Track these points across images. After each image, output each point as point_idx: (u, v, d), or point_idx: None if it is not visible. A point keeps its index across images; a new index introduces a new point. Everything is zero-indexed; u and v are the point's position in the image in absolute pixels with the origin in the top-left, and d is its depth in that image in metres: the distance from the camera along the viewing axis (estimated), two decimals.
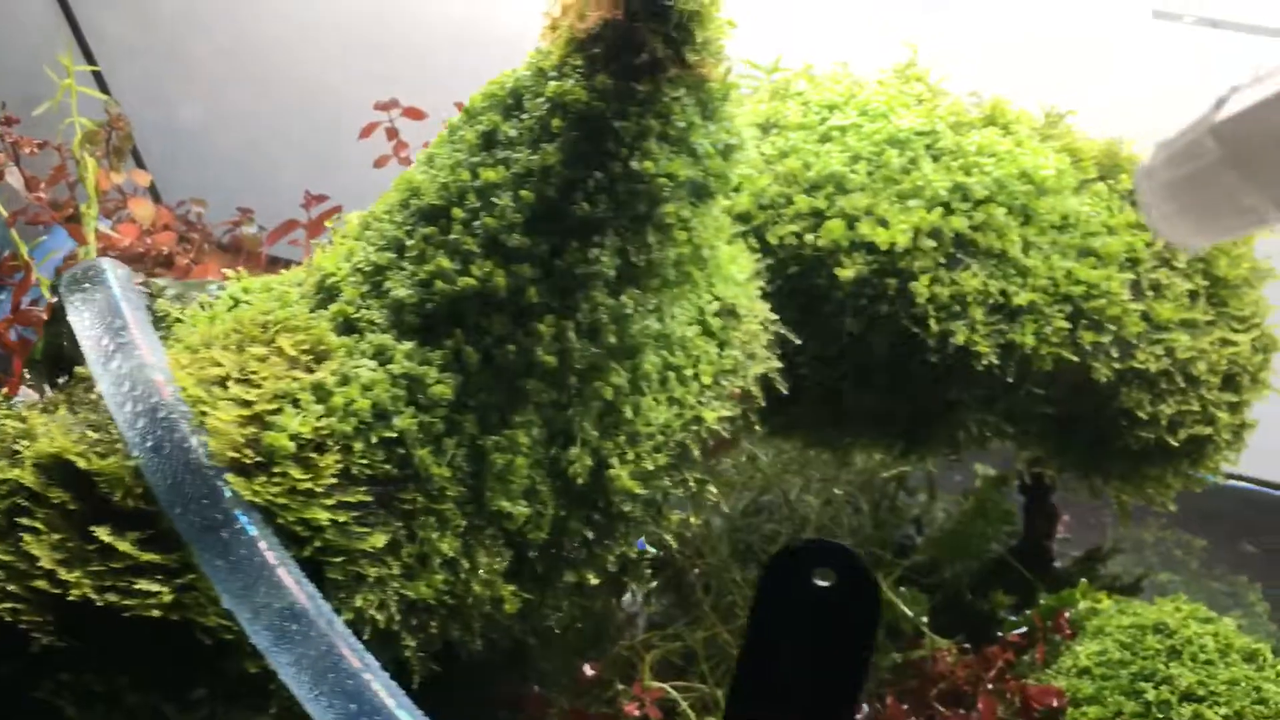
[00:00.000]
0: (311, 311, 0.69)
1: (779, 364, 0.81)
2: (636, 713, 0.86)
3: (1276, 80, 0.37)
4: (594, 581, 0.76)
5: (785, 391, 0.82)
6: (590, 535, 0.72)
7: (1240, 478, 1.18)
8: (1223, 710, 0.82)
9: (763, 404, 0.81)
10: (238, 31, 1.31)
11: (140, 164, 1.39)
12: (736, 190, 0.82)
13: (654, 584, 1.02)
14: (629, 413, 0.71)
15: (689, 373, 0.75)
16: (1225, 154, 0.38)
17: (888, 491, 1.08)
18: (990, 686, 0.92)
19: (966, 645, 0.94)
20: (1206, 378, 0.89)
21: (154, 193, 1.40)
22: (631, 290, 0.69)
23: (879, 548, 1.05)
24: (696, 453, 0.75)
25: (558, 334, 0.68)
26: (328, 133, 1.26)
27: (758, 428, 0.82)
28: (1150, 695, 0.84)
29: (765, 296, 0.82)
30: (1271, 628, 1.06)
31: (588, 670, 0.91)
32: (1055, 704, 0.88)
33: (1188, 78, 0.98)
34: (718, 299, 0.76)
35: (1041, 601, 0.97)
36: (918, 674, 0.95)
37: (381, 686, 0.56)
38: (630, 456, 0.72)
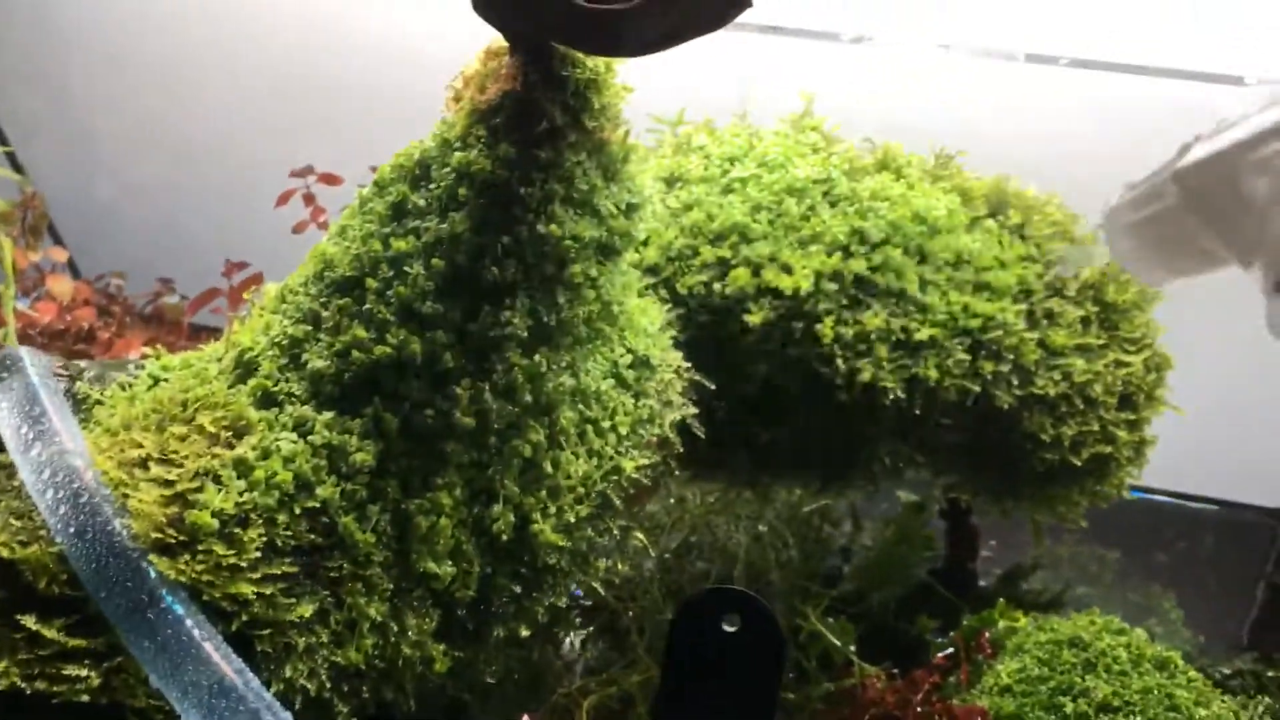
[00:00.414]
0: (230, 387, 0.70)
1: (695, 410, 0.84)
2: None
3: (1233, 132, 0.40)
4: (525, 634, 0.77)
5: (703, 436, 0.85)
6: (518, 589, 0.74)
7: (1147, 489, 1.22)
8: (1137, 719, 0.85)
9: (680, 450, 0.83)
10: (149, 107, 1.32)
11: (58, 240, 1.39)
12: (645, 244, 0.85)
13: (589, 630, 1.04)
14: (549, 468, 0.73)
15: (606, 424, 0.77)
16: (1185, 199, 0.40)
17: (813, 524, 1.11)
18: (919, 710, 0.95)
19: (895, 671, 0.97)
20: (1104, 399, 0.93)
21: (73, 269, 1.39)
22: (544, 349, 0.71)
23: (807, 580, 1.07)
24: (618, 502, 0.78)
25: (475, 396, 0.70)
26: (245, 200, 1.28)
27: (677, 472, 0.84)
28: (1069, 709, 0.87)
29: (678, 345, 0.85)
30: (1186, 634, 1.10)
31: (535, 716, 0.92)
32: None
33: (1063, 117, 1.03)
34: (630, 351, 0.79)
35: (965, 623, 1.01)
36: (849, 702, 0.98)
37: None
38: (552, 510, 0.73)
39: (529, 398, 0.71)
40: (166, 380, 0.74)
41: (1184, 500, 1.23)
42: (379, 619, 0.67)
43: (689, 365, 0.83)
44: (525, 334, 0.71)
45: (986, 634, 0.97)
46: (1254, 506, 1.22)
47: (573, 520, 0.74)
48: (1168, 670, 0.90)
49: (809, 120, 0.91)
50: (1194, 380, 1.25)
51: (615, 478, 0.78)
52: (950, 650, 0.99)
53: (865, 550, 1.12)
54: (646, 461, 0.80)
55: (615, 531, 0.80)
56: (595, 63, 0.70)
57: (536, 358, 0.71)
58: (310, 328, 0.71)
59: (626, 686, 0.98)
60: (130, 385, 0.75)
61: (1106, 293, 0.93)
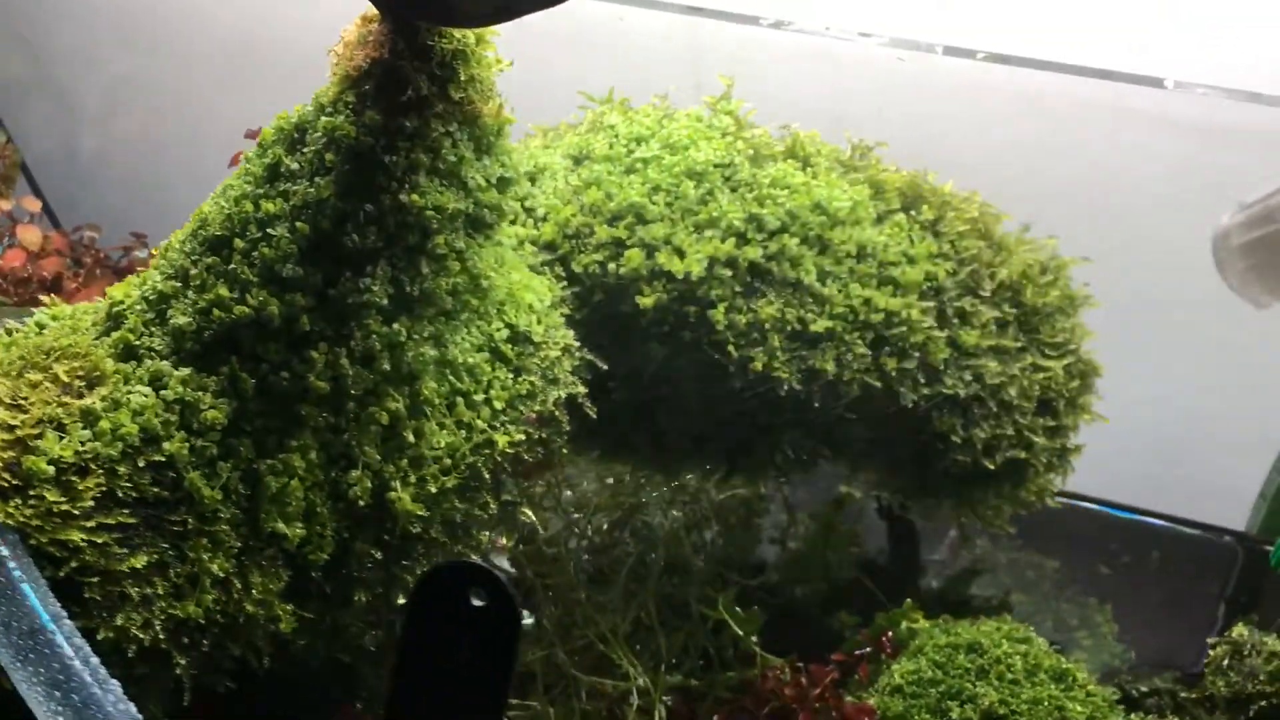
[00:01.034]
0: (96, 339, 0.71)
1: (584, 389, 0.83)
2: None
3: None
4: (402, 602, 0.78)
5: (594, 416, 0.85)
6: (379, 556, 0.75)
7: (1095, 500, 1.19)
8: None
9: (567, 428, 0.83)
10: (130, 63, 1.35)
11: (39, 194, 1.42)
12: (543, 220, 0.84)
13: None
14: (410, 437, 0.73)
15: (478, 398, 0.77)
16: None
17: (741, 512, 1.10)
18: (818, 705, 0.94)
19: (800, 664, 0.96)
20: (1019, 403, 0.92)
21: (54, 221, 1.43)
22: (405, 318, 0.72)
23: (725, 567, 1.07)
24: (487, 475, 0.78)
25: (331, 360, 0.70)
26: (219, 157, 1.29)
27: (565, 449, 0.84)
28: (955, 714, 0.86)
29: (574, 324, 0.85)
30: (1117, 648, 1.08)
31: None
32: None
33: (980, 111, 1.01)
34: (510, 326, 0.79)
35: (875, 622, 0.99)
36: (751, 693, 0.97)
37: (117, 706, 0.58)
38: (413, 479, 0.74)
39: (387, 365, 0.71)
40: (48, 329, 0.75)
41: (1136, 515, 1.20)
42: (222, 575, 0.68)
43: (579, 344, 0.83)
44: (385, 302, 0.71)
45: (890, 634, 0.96)
46: (1209, 526, 1.19)
47: (435, 491, 0.75)
48: (1064, 682, 0.89)
49: (725, 104, 0.90)
50: (1155, 395, 1.23)
51: (487, 451, 0.78)
52: (868, 649, 0.99)
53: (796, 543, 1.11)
54: (524, 437, 0.80)
55: (492, 506, 0.80)
56: (465, 34, 0.69)
57: (396, 326, 0.71)
58: (178, 284, 0.72)
59: (530, 661, 0.98)
60: (15, 332, 0.76)
61: (1025, 295, 0.91)
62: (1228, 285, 0.50)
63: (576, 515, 1.09)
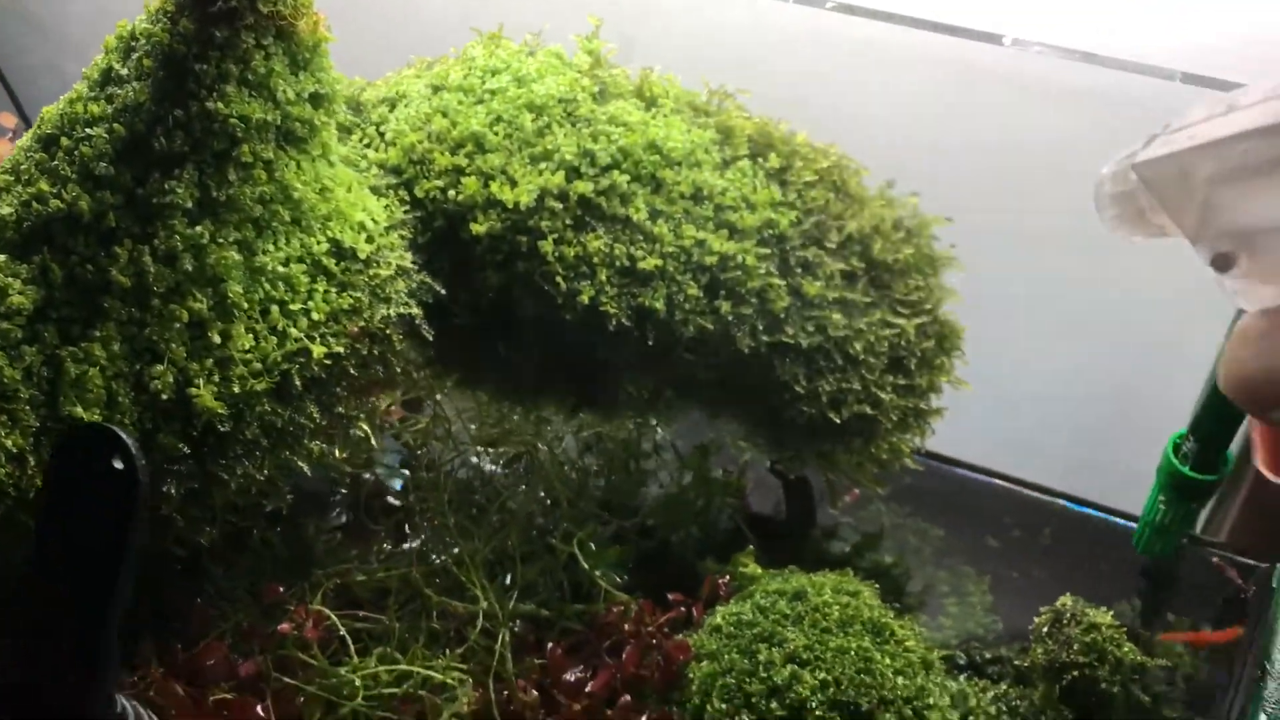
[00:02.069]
0: None
1: (419, 311, 0.86)
2: (288, 629, 0.92)
3: (1180, 137, 0.49)
4: (237, 501, 0.82)
5: (430, 337, 0.87)
6: (187, 450, 0.78)
7: (989, 472, 1.19)
8: (821, 675, 0.85)
9: (398, 347, 0.86)
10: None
11: (23, 116, 1.48)
12: (391, 144, 0.87)
13: (383, 528, 1.08)
14: (216, 338, 0.77)
15: (296, 308, 0.80)
16: (1143, 185, 0.51)
17: (622, 454, 1.12)
18: (654, 642, 0.96)
19: (644, 602, 0.98)
20: (866, 358, 0.92)
21: None
22: (209, 222, 0.75)
23: (598, 507, 1.09)
24: (299, 384, 0.81)
25: (135, 257, 0.74)
26: None
27: (398, 369, 0.87)
28: (762, 655, 0.87)
29: (418, 248, 0.87)
30: (985, 619, 1.07)
31: (273, 591, 0.97)
32: (682, 658, 0.92)
33: (827, 60, 1.00)
34: (334, 242, 0.81)
35: (714, 567, 1.01)
36: (594, 626, 1.00)
37: None
38: (217, 378, 0.77)
39: (190, 266, 0.75)
40: None
41: (1033, 492, 1.19)
42: (16, 450, 0.72)
43: (414, 266, 0.85)
44: (191, 205, 0.74)
45: (727, 578, 0.98)
46: (1107, 508, 1.18)
47: (239, 391, 0.78)
48: (881, 636, 0.89)
49: (588, 43, 0.91)
50: (1078, 377, 1.22)
51: (302, 360, 0.81)
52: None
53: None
54: (344, 351, 0.83)
55: (316, 415, 0.84)
56: None
57: (200, 229, 0.75)
58: (10, 178, 0.76)
59: (384, 578, 1.01)
60: None
61: (874, 250, 0.91)
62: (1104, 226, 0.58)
63: (464, 445, 1.12)
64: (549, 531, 1.06)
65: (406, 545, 1.08)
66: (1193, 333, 1.08)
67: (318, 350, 0.81)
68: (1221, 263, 0.46)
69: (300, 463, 0.86)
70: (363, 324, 0.83)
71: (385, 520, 1.08)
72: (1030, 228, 1.04)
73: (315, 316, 0.81)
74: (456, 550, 1.02)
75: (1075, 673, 0.87)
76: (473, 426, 1.12)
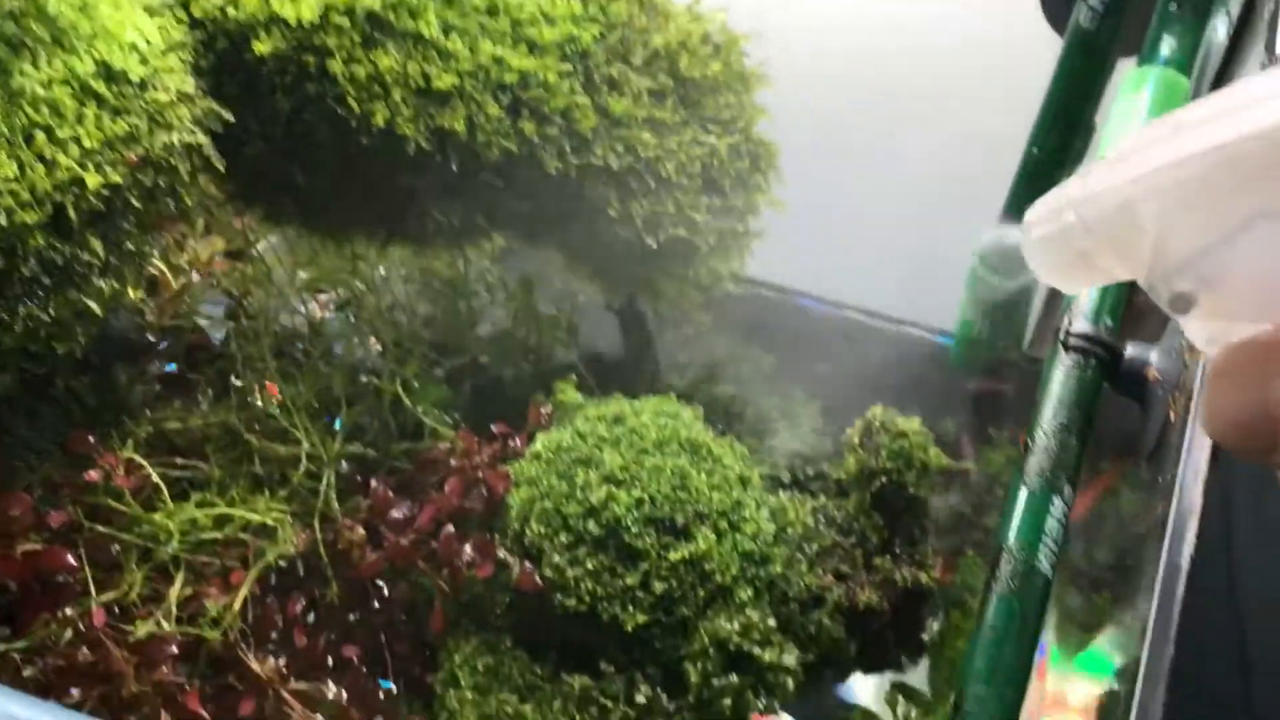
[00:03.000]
0: None
1: (206, 139, 0.82)
2: (97, 477, 0.89)
3: (1122, 168, 0.42)
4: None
5: (221, 167, 0.84)
6: None
7: (819, 299, 1.20)
8: (636, 493, 0.85)
9: (187, 179, 0.82)
10: None
11: None
12: None
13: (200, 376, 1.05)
14: None
15: (63, 134, 0.76)
16: (1084, 223, 0.43)
17: (459, 291, 1.10)
18: (478, 475, 0.96)
19: (472, 436, 0.97)
20: (678, 179, 0.91)
21: None
22: None
23: (431, 349, 1.07)
24: (75, 216, 0.77)
25: None
26: None
27: (190, 202, 0.83)
28: (580, 478, 0.87)
29: (200, 72, 0.83)
30: (813, 439, 1.09)
31: (82, 440, 0.94)
32: (504, 488, 0.92)
33: None
34: (103, 64, 0.77)
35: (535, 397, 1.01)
36: (421, 464, 0.99)
37: None
38: None
39: None
40: None
41: (865, 317, 1.20)
42: None
43: (194, 92, 0.81)
44: None
45: (545, 408, 0.97)
46: (936, 329, 1.20)
47: (8, 224, 0.74)
48: (699, 455, 0.90)
49: None
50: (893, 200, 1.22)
51: (76, 190, 0.77)
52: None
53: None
54: (124, 182, 0.79)
55: (99, 249, 0.80)
56: None
57: None
58: None
59: (204, 426, 0.99)
60: None
61: (682, 66, 0.89)
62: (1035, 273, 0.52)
63: (286, 289, 1.09)
64: (377, 374, 1.04)
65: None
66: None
67: (93, 180, 0.77)
68: (1181, 304, 0.40)
69: (90, 302, 0.83)
70: (142, 152, 0.79)
71: (207, 370, 1.05)
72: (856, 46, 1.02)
73: (87, 144, 0.77)
74: (279, 395, 1.00)
75: (883, 479, 0.89)
76: (303, 274, 1.09)
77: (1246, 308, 0.39)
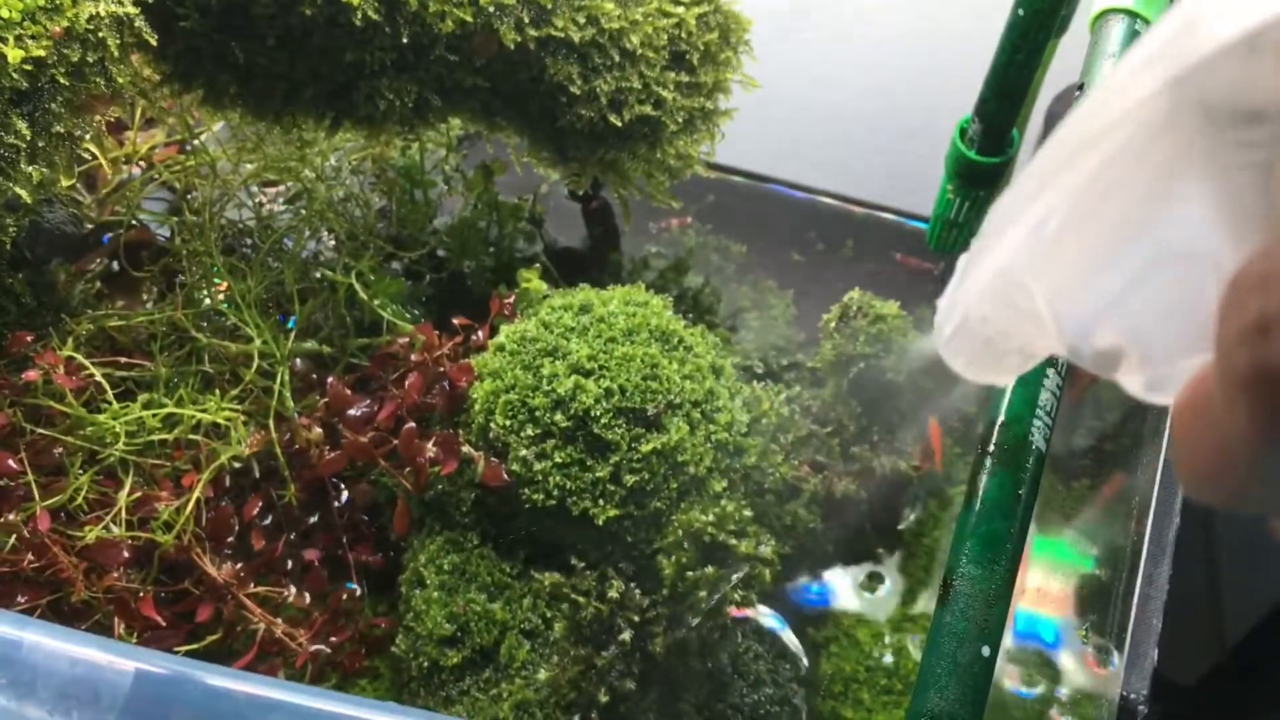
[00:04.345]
0: None
1: (135, 10, 0.76)
2: (35, 376, 0.84)
3: (992, 247, 0.39)
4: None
5: (154, 41, 0.78)
6: None
7: (789, 184, 1.15)
8: (605, 383, 0.82)
9: (117, 54, 0.76)
10: None
11: None
12: None
13: (150, 272, 1.00)
14: None
15: None
16: (976, 313, 0.41)
17: (414, 180, 1.05)
18: (440, 370, 0.92)
19: (432, 331, 0.93)
20: (644, 52, 0.86)
21: None
22: None
23: (388, 242, 1.03)
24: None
25: None
26: None
27: (121, 80, 0.78)
28: (546, 369, 0.84)
29: None
30: (787, 330, 1.06)
31: (20, 340, 0.89)
32: (466, 381, 0.88)
33: None
34: None
35: (499, 289, 0.97)
36: (379, 360, 0.95)
37: None
38: None
39: None
40: None
41: (835, 201, 1.16)
42: None
43: None
44: None
45: (509, 299, 0.93)
46: (905, 213, 1.16)
47: None
48: (669, 344, 0.87)
49: None
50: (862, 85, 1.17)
51: None
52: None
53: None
54: (48, 57, 0.73)
55: (25, 132, 0.74)
56: None
57: None
58: None
59: (144, 321, 0.94)
60: None
61: None
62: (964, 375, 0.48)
63: (231, 180, 1.03)
64: (330, 268, 1.00)
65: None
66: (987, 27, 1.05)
67: (13, 54, 0.71)
68: (1108, 363, 0.37)
69: (19, 189, 0.77)
70: (66, 24, 0.73)
71: (151, 267, 1.00)
72: None
73: (4, 15, 0.71)
74: (226, 290, 0.95)
75: (862, 364, 0.86)
76: (247, 167, 1.03)
77: (1178, 346, 0.35)
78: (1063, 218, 0.35)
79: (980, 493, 0.52)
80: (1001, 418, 0.54)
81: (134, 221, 1.02)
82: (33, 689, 0.40)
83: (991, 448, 0.53)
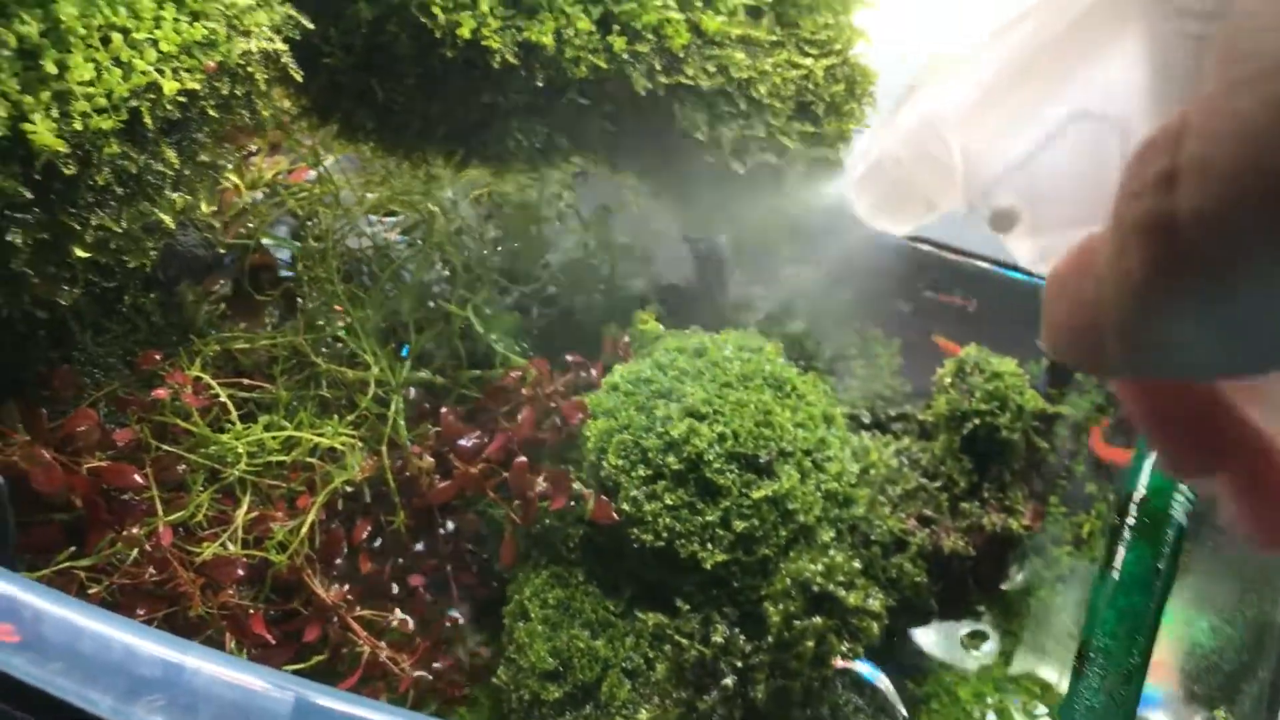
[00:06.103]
0: None
1: (284, 47, 0.79)
2: (164, 395, 0.87)
3: (917, 94, 0.41)
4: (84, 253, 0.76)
5: (300, 78, 0.80)
6: (30, 195, 0.72)
7: (910, 237, 1.15)
8: (719, 428, 0.82)
9: (264, 88, 0.79)
10: None
11: None
12: None
13: (271, 295, 1.02)
14: (52, 68, 0.69)
15: (140, 36, 0.73)
16: (890, 152, 0.42)
17: (521, 218, 1.07)
18: (551, 404, 0.93)
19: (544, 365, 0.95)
20: (771, 102, 0.87)
21: None
22: None
23: (501, 275, 1.04)
24: (151, 122, 0.74)
25: None
26: None
27: (266, 113, 0.80)
28: (660, 411, 0.84)
29: None
30: (894, 380, 1.06)
31: (149, 359, 0.92)
32: (579, 418, 0.89)
33: None
34: None
35: (613, 328, 0.98)
36: (491, 392, 0.96)
37: None
38: (55, 114, 0.70)
39: None
40: None
41: (953, 254, 1.16)
42: None
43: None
44: None
45: (626, 338, 0.94)
46: (1024, 270, 1.15)
47: (83, 130, 0.71)
48: (782, 390, 0.87)
49: None
50: None
51: (152, 96, 0.74)
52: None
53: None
54: (201, 89, 0.76)
55: (174, 160, 0.77)
56: None
57: None
58: None
59: (268, 345, 0.96)
60: None
61: None
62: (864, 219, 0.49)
63: (354, 210, 1.06)
64: (445, 299, 1.01)
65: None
66: None
67: (169, 86, 0.74)
68: (1003, 222, 0.37)
69: (162, 215, 0.80)
70: (220, 59, 0.76)
71: (273, 291, 1.03)
72: None
73: (164, 48, 0.74)
74: (346, 319, 0.98)
75: (976, 421, 0.86)
76: (370, 196, 1.06)
77: (1070, 215, 0.35)
78: (995, 73, 0.36)
79: (1119, 565, 0.52)
80: (1143, 491, 0.54)
81: (256, 245, 1.04)
82: (193, 712, 0.41)
83: (1131, 520, 0.53)
